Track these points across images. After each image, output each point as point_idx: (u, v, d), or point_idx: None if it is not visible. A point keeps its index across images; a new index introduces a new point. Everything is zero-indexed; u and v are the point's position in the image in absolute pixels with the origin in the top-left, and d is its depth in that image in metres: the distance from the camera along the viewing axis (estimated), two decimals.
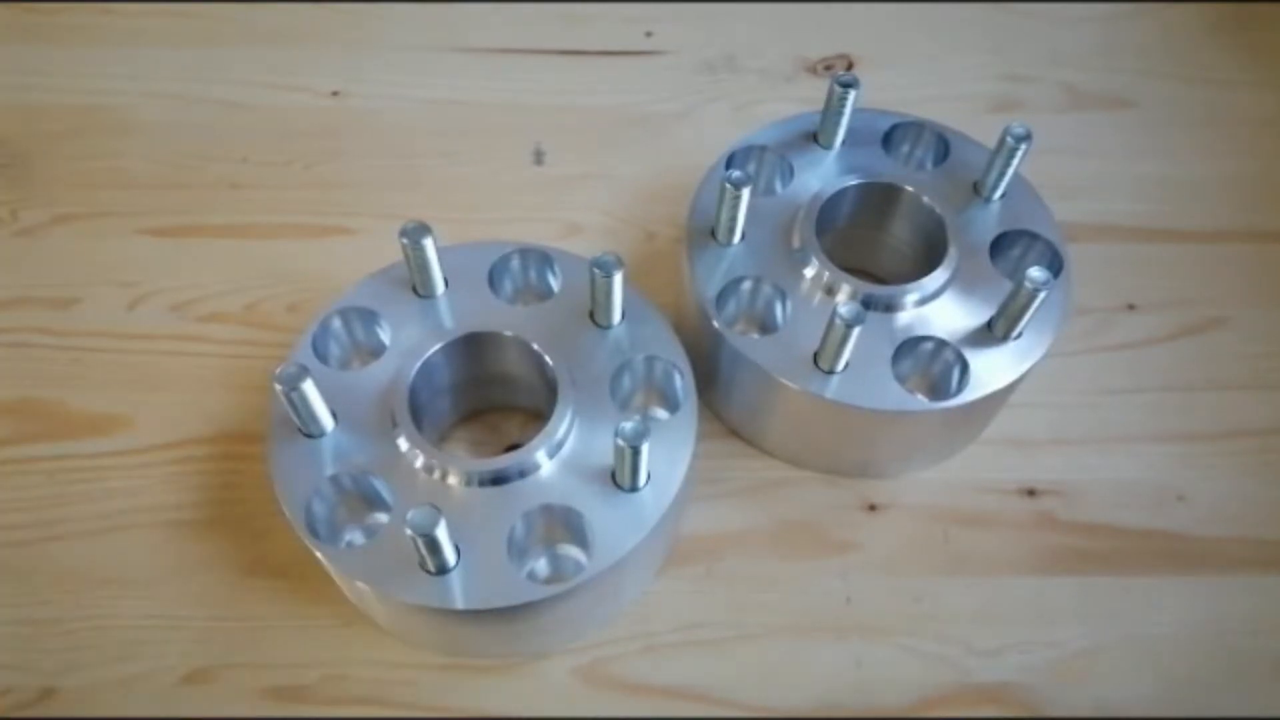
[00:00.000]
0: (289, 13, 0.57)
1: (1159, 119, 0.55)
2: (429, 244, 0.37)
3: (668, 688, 0.37)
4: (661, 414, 0.38)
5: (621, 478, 0.34)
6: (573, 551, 0.36)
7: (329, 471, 0.35)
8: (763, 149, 0.43)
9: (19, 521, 0.40)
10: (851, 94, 0.42)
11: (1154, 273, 0.48)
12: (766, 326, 0.41)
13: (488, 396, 0.42)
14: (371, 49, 0.55)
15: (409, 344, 0.38)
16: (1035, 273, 0.35)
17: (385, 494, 0.35)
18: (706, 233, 0.40)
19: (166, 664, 0.37)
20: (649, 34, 0.56)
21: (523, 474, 0.35)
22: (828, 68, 0.55)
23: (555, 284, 0.40)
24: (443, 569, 0.32)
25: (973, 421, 0.41)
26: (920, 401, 0.37)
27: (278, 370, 0.32)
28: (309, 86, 0.54)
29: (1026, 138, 0.40)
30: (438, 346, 0.37)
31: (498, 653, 0.37)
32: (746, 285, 0.40)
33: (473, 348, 0.39)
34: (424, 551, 0.31)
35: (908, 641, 0.38)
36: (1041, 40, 0.58)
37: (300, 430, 0.35)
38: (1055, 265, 0.40)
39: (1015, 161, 0.41)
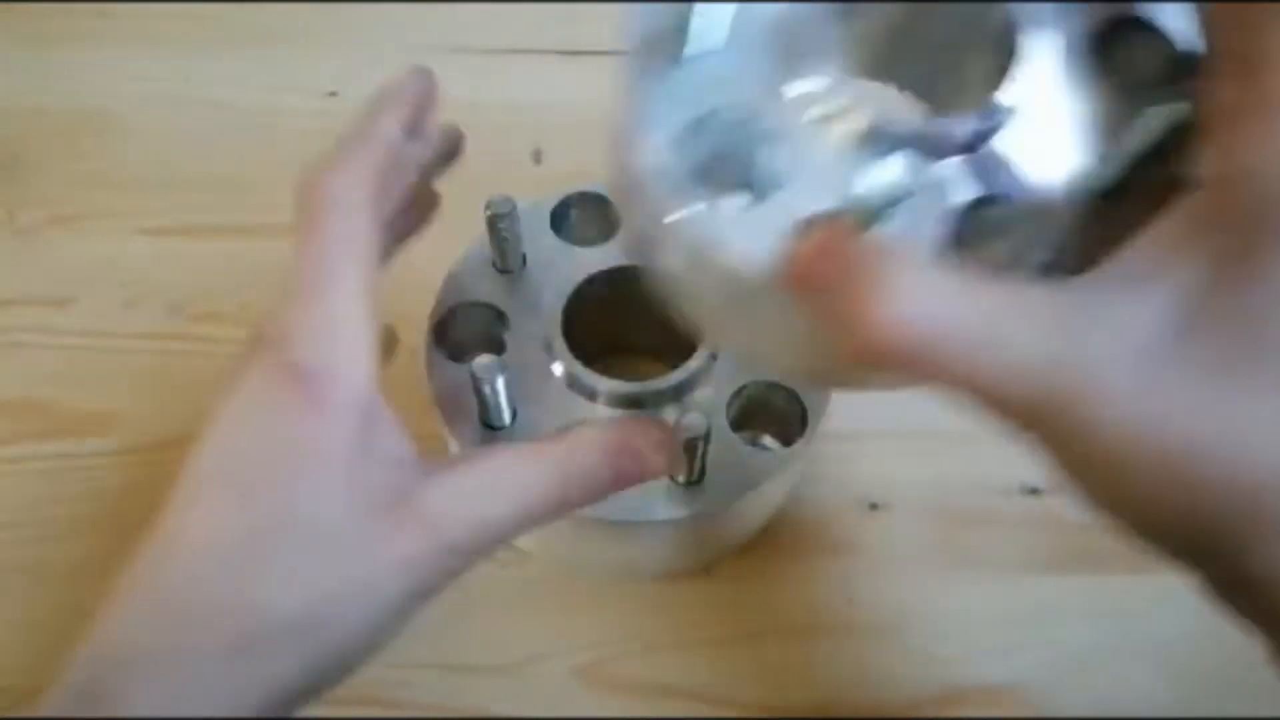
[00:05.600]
0: (285, 14, 0.56)
1: None
2: None
3: (667, 688, 0.37)
4: None
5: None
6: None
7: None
8: None
9: (15, 520, 0.40)
10: None
11: None
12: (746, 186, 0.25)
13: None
14: (369, 49, 0.55)
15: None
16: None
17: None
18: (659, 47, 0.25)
19: None
20: None
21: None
22: None
23: None
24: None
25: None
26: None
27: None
28: (305, 87, 0.54)
29: None
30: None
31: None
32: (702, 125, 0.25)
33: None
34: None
35: (908, 641, 0.38)
36: None
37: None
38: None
39: None
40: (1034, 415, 0.19)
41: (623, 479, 0.28)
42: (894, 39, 0.27)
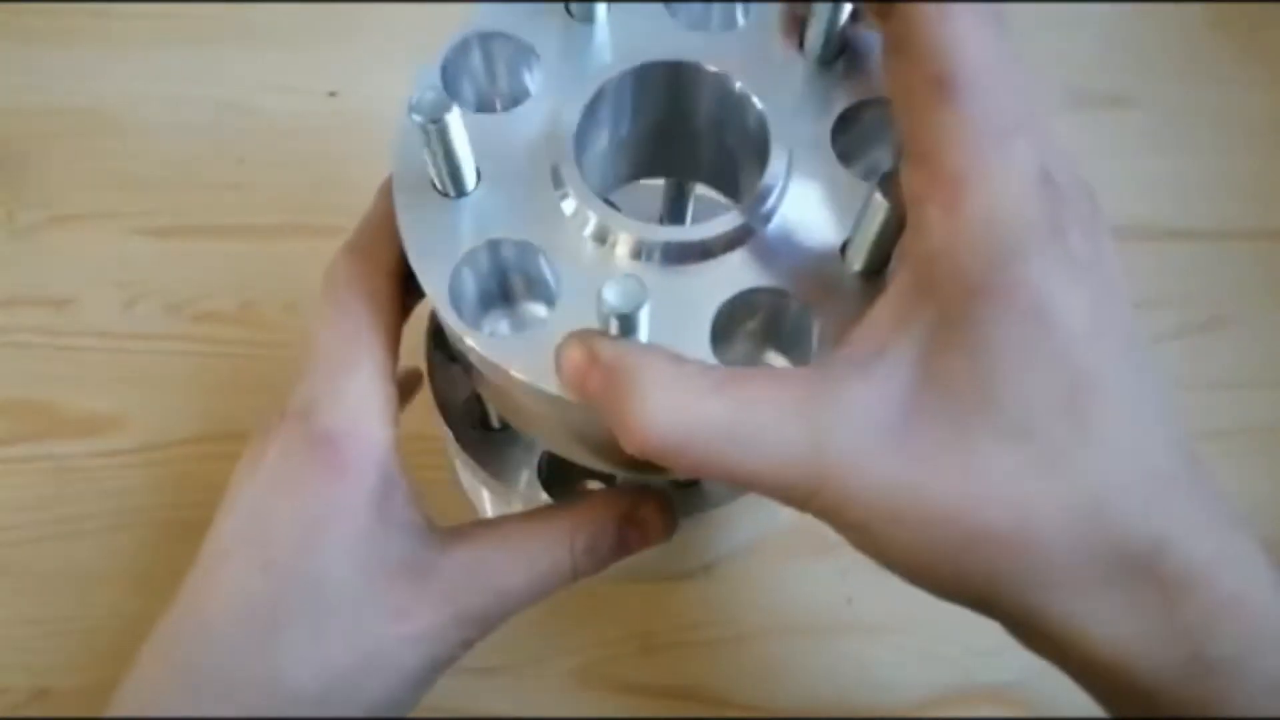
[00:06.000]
0: (285, 13, 0.56)
1: (1161, 118, 0.54)
2: None
3: (667, 688, 0.37)
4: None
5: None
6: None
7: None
8: (493, 38, 0.28)
9: (14, 521, 0.40)
10: None
11: (1158, 272, 0.48)
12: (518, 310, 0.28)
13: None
14: (369, 49, 0.55)
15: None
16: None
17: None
18: (423, 186, 0.26)
19: None
20: None
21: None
22: None
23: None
24: None
25: None
26: None
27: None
28: (306, 87, 0.54)
29: None
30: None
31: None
32: (487, 252, 0.26)
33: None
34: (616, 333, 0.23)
35: (908, 642, 0.38)
36: (1043, 39, 0.58)
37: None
38: None
39: None
40: (797, 497, 0.21)
41: (628, 547, 0.29)
42: (666, 140, 0.30)
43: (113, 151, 0.51)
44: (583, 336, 0.22)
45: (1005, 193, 0.20)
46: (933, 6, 0.20)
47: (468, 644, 0.27)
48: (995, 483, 0.20)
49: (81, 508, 0.40)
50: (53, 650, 0.37)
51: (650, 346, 0.22)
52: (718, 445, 0.21)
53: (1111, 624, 0.21)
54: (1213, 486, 0.22)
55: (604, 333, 0.22)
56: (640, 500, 0.29)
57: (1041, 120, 0.21)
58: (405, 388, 0.36)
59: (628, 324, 0.22)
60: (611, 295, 0.21)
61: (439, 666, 0.27)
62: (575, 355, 0.22)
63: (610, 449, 0.27)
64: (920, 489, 0.20)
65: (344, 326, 0.27)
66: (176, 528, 0.40)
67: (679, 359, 0.22)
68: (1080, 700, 0.29)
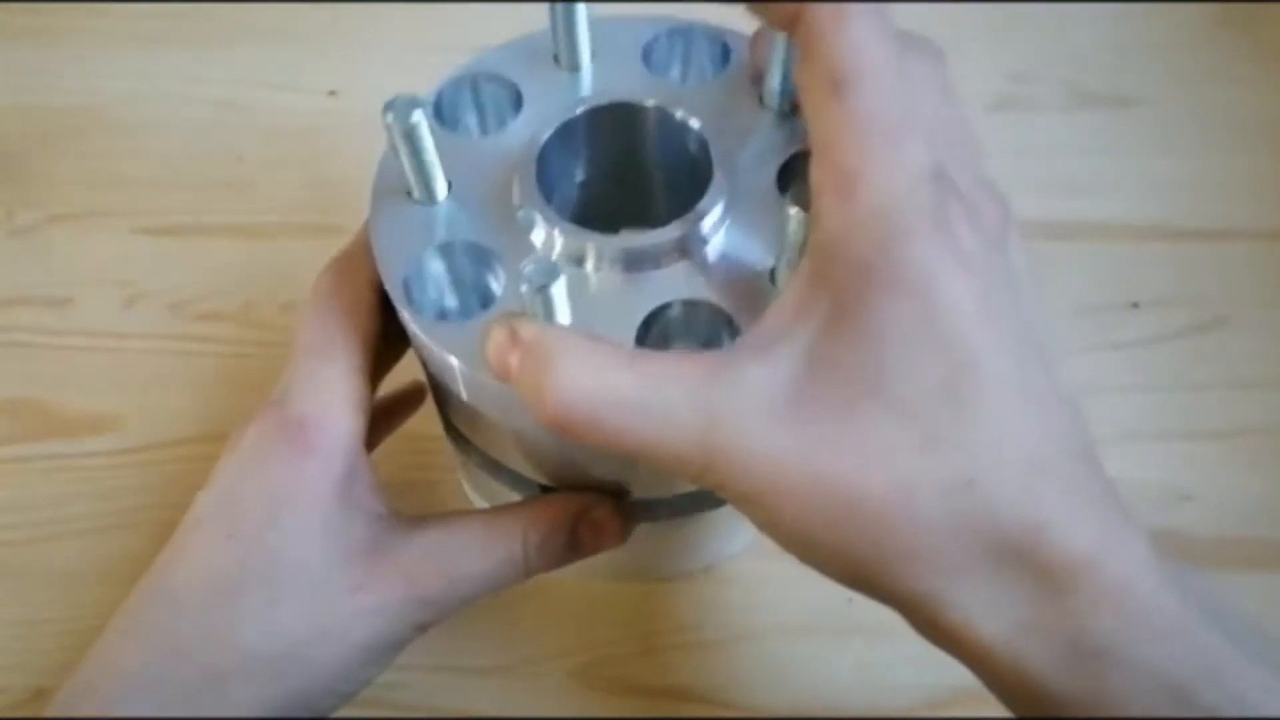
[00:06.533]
0: (285, 12, 0.56)
1: (1162, 118, 0.54)
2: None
3: (666, 689, 0.37)
4: None
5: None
6: None
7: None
8: (484, 78, 0.33)
9: (14, 521, 0.40)
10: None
11: (1159, 271, 0.48)
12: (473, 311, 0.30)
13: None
14: (369, 48, 0.55)
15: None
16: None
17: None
18: (399, 192, 0.30)
19: None
20: None
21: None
22: None
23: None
24: None
25: None
26: None
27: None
28: (306, 86, 0.54)
29: None
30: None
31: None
32: (444, 253, 0.29)
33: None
34: (540, 315, 0.25)
35: (908, 642, 0.37)
36: (1045, 38, 0.58)
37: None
38: None
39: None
40: (695, 467, 0.22)
41: (581, 549, 0.30)
42: (626, 181, 0.34)
43: (112, 150, 0.51)
44: (505, 319, 0.24)
45: (893, 185, 0.21)
46: (830, 10, 0.21)
47: (419, 626, 0.29)
48: (877, 457, 0.21)
49: (80, 508, 0.40)
50: (50, 650, 0.37)
51: (568, 328, 0.24)
52: (623, 417, 0.22)
53: (994, 611, 0.21)
54: (1102, 480, 0.22)
55: (526, 316, 0.24)
56: (594, 503, 0.30)
57: (943, 122, 0.24)
58: (410, 399, 0.38)
59: (546, 299, 0.24)
60: (529, 271, 0.24)
61: (389, 645, 0.28)
62: (498, 335, 0.24)
63: (538, 454, 0.30)
64: (806, 462, 0.21)
65: (322, 327, 0.29)
66: (176, 528, 0.39)
67: (594, 338, 0.23)
68: None
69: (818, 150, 0.22)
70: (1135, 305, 0.47)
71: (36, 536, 0.40)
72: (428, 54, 0.60)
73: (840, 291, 0.22)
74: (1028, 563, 0.21)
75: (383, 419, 0.36)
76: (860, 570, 0.22)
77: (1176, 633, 0.21)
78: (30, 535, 0.40)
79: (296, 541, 0.27)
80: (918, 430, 0.21)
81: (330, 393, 0.28)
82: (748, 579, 0.39)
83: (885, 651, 0.37)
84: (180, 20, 0.56)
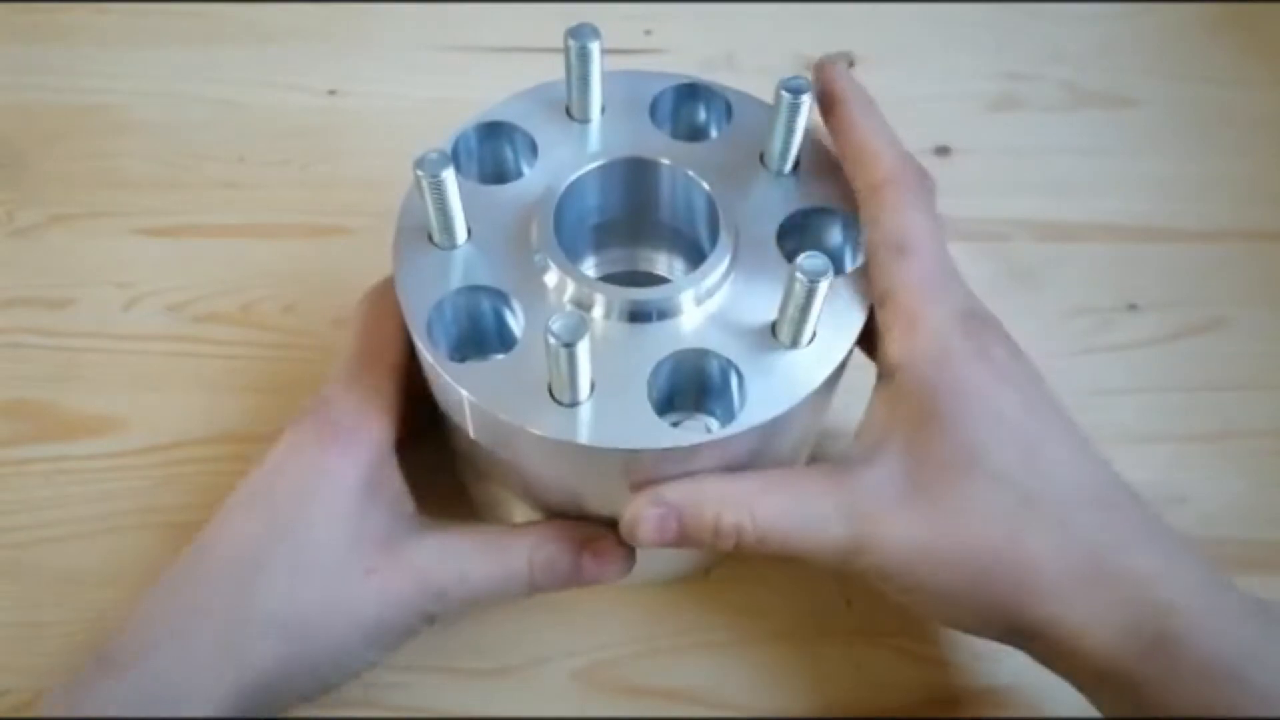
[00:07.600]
0: (285, 12, 0.56)
1: (1161, 118, 0.54)
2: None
3: (667, 691, 0.37)
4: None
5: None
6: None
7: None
8: (501, 127, 0.34)
9: (15, 524, 0.40)
10: (594, 49, 0.33)
11: (1156, 272, 0.48)
12: (490, 352, 0.33)
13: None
14: (368, 48, 0.55)
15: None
16: (807, 261, 0.27)
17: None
18: (422, 237, 0.32)
19: None
20: (648, 32, 0.56)
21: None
22: None
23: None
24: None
25: (769, 451, 0.31)
26: (680, 434, 0.28)
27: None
28: (306, 86, 0.54)
29: (805, 90, 0.31)
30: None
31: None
32: (464, 296, 0.31)
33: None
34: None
35: (907, 644, 0.38)
36: (1043, 38, 0.58)
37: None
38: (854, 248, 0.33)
39: (800, 122, 0.32)
40: (847, 556, 0.28)
41: (583, 575, 0.32)
42: (637, 228, 0.37)
43: (111, 150, 0.51)
44: (641, 497, 0.29)
45: (943, 324, 0.29)
46: (900, 190, 0.30)
47: (427, 617, 0.31)
48: (990, 519, 0.27)
49: (81, 509, 0.40)
50: (52, 652, 0.37)
51: (700, 475, 0.29)
52: (787, 531, 0.29)
53: (1098, 620, 0.27)
54: (1151, 509, 0.29)
55: (656, 486, 0.29)
56: (600, 534, 0.32)
57: (959, 275, 0.31)
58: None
59: (571, 355, 0.26)
60: (557, 326, 0.25)
61: (395, 628, 0.31)
62: (647, 511, 0.29)
63: (539, 490, 0.33)
64: (941, 534, 0.28)
65: (368, 339, 0.33)
66: (177, 529, 0.40)
67: (735, 476, 0.29)
68: (1078, 701, 0.30)
69: (882, 295, 0.30)
70: (1133, 307, 0.47)
71: (38, 538, 0.40)
72: (427, 54, 0.61)
73: (916, 401, 0.29)
74: (1116, 578, 0.27)
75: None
76: (994, 611, 0.28)
77: (1231, 626, 0.26)
78: (31, 536, 0.40)
79: (322, 525, 0.30)
80: (1013, 493, 0.27)
81: (366, 400, 0.32)
82: (748, 582, 0.39)
83: (884, 653, 0.38)
84: (180, 20, 0.56)
